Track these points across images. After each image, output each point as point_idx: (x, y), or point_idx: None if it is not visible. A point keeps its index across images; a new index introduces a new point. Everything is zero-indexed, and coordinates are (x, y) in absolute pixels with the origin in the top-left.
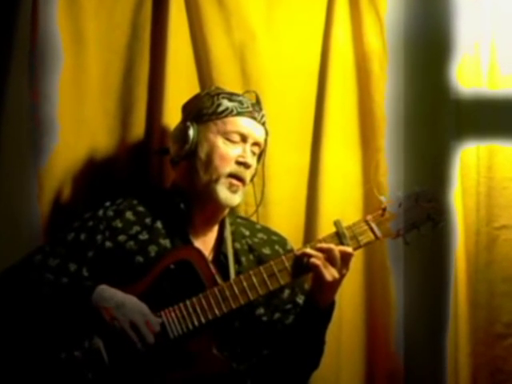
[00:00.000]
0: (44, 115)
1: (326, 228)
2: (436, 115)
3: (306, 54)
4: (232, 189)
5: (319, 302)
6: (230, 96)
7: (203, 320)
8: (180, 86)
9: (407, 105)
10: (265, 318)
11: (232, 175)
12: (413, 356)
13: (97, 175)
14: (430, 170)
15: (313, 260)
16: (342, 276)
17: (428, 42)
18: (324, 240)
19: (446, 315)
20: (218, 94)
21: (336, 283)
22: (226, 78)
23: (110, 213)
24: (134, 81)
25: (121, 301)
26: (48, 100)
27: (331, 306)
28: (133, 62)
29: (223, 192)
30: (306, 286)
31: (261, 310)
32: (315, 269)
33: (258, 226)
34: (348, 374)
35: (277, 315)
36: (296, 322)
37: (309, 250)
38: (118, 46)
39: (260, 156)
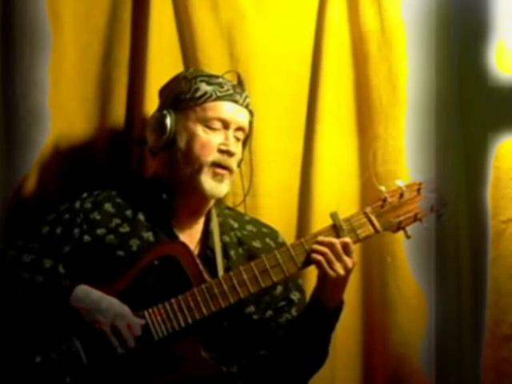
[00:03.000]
0: (33, 104)
1: (320, 221)
2: (471, 102)
3: (298, 35)
4: (217, 178)
5: (326, 302)
6: (209, 79)
7: (190, 320)
8: (163, 70)
9: (438, 90)
10: (255, 317)
11: (215, 164)
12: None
13: (73, 165)
14: (463, 162)
15: (314, 255)
16: (348, 271)
17: (462, 22)
18: (320, 233)
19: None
20: (196, 77)
21: (341, 280)
22: (213, 60)
23: (88, 205)
24: (113, 64)
25: (101, 302)
26: (38, 87)
27: (339, 305)
28: (112, 43)
29: (208, 182)
30: (301, 281)
31: (251, 308)
32: (318, 264)
33: (247, 218)
34: (344, 378)
35: (269, 313)
36: (300, 322)
37: (313, 246)
38: (97, 27)
39: (246, 141)
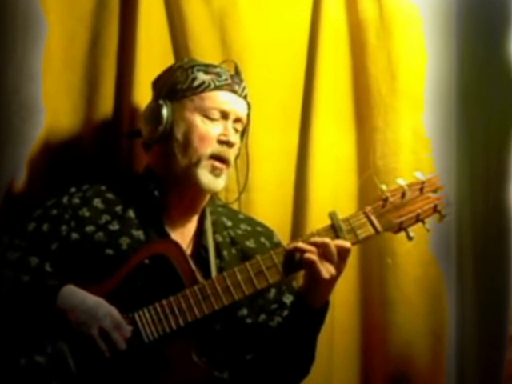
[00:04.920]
0: (27, 98)
1: (316, 217)
2: (493, 95)
3: (293, 23)
4: (215, 172)
5: (313, 302)
6: (206, 68)
7: (181, 322)
8: (152, 59)
9: (458, 83)
10: (249, 320)
11: (214, 156)
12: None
13: (59, 158)
14: (485, 160)
15: (308, 255)
16: (338, 273)
17: (484, 9)
18: (318, 233)
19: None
20: (193, 67)
21: (332, 281)
22: (204, 49)
23: (76, 200)
24: (100, 53)
25: (89, 304)
26: (31, 80)
27: (325, 306)
28: (99, 31)
29: (205, 176)
30: (295, 284)
31: (244, 311)
32: (311, 265)
33: (241, 216)
34: (341, 380)
35: (262, 317)
36: (286, 323)
37: (302, 245)
38: (83, 14)
39: (243, 133)
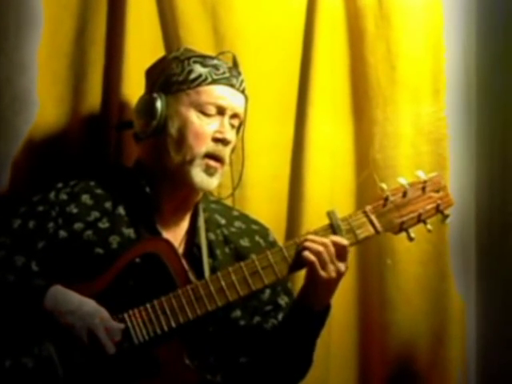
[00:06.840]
0: (20, 89)
1: (312, 214)
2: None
3: (288, 10)
4: (209, 171)
5: (313, 304)
6: (203, 60)
7: (173, 324)
8: (142, 48)
9: (479, 72)
10: (242, 322)
11: (209, 155)
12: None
13: (45, 152)
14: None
15: (306, 255)
16: (340, 275)
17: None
18: (315, 233)
19: None
20: (189, 58)
21: (333, 283)
22: (196, 38)
23: (64, 196)
24: (87, 42)
25: (77, 305)
26: (25, 71)
27: (326, 309)
28: (86, 19)
29: (199, 175)
30: (290, 285)
31: (237, 313)
32: (310, 265)
33: (235, 213)
34: (339, 381)
35: (256, 319)
36: (284, 325)
37: (304, 243)
38: (70, 1)
39: (239, 127)
